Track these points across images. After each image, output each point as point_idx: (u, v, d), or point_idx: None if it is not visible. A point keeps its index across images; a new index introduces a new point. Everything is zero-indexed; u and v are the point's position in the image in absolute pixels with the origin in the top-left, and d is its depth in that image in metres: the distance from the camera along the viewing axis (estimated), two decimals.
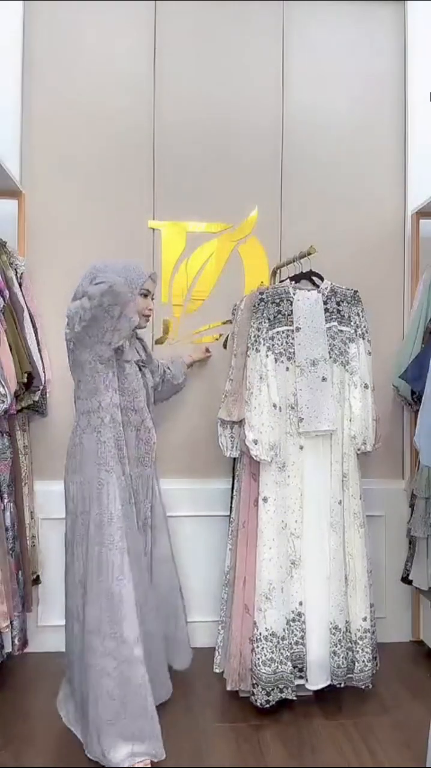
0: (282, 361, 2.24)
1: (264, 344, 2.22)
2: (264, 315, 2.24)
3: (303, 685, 2.18)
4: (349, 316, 2.31)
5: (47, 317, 2.59)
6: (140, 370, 2.15)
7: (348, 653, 2.18)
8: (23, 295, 2.42)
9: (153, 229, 2.76)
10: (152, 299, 2.17)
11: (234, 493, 2.38)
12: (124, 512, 1.94)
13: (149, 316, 2.15)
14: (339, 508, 2.22)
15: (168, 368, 2.49)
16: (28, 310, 2.42)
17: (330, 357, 2.25)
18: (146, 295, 2.11)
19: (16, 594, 2.27)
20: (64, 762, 1.89)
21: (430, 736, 1.47)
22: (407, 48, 2.87)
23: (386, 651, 2.49)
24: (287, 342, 2.25)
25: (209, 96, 2.79)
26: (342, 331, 2.29)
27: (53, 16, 2.71)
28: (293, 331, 2.25)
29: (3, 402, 2.11)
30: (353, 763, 1.91)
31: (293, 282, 2.34)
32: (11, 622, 2.21)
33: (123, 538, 1.90)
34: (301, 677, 2.18)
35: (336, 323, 2.29)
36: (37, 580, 2.54)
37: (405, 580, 2.61)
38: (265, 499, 2.18)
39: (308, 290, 2.31)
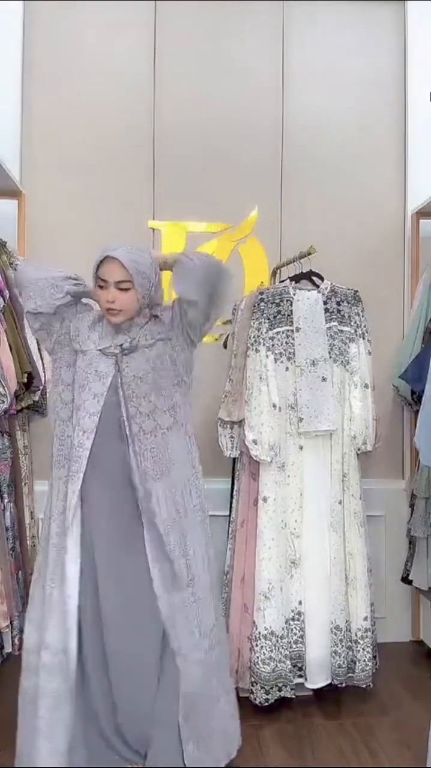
0: (282, 361, 2.24)
1: (264, 344, 2.22)
2: (264, 315, 2.24)
3: (303, 684, 2.18)
4: (349, 316, 2.31)
5: None
6: (117, 359, 1.74)
7: (348, 653, 2.19)
8: None
9: (153, 229, 2.76)
10: (124, 289, 1.70)
11: (234, 492, 2.38)
12: (58, 533, 1.72)
13: (110, 310, 1.71)
14: (339, 507, 2.22)
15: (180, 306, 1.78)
16: None
17: (330, 357, 2.25)
18: (101, 286, 1.72)
19: (16, 594, 2.27)
20: None
21: (430, 737, 1.47)
22: (407, 48, 2.87)
23: (386, 651, 2.49)
24: (287, 342, 2.24)
25: (209, 96, 2.80)
26: (342, 331, 2.29)
27: (53, 16, 2.72)
28: (293, 331, 2.25)
29: (3, 402, 2.11)
30: (353, 763, 1.91)
31: (293, 282, 2.34)
32: (11, 622, 2.21)
33: (44, 568, 1.72)
34: (300, 676, 2.18)
35: (336, 323, 2.29)
36: None
37: (405, 580, 2.61)
38: (265, 499, 2.19)
39: (309, 290, 2.31)
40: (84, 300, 1.84)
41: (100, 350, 1.76)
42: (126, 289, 1.71)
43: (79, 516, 1.70)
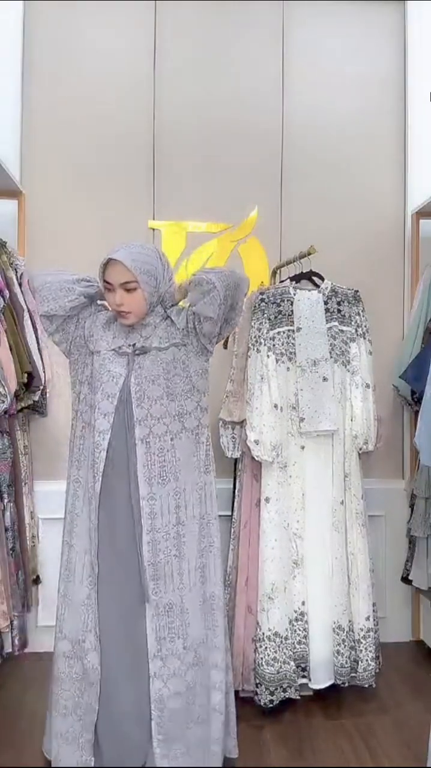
0: (283, 362, 2.24)
1: (265, 344, 2.22)
2: (265, 315, 2.24)
3: (306, 684, 2.18)
4: (350, 316, 2.31)
5: None
6: (129, 358, 1.74)
7: (351, 652, 2.19)
8: (23, 295, 2.41)
9: (153, 229, 2.76)
10: (130, 290, 1.69)
11: (236, 493, 2.38)
12: (76, 521, 1.77)
13: (120, 312, 1.73)
14: (340, 507, 2.22)
15: (192, 313, 1.78)
16: (28, 310, 2.42)
17: (331, 357, 2.25)
18: (108, 289, 1.73)
19: (16, 594, 2.27)
20: None
21: (430, 737, 1.47)
22: (407, 48, 2.87)
23: (386, 651, 2.49)
24: (287, 342, 2.25)
25: (209, 96, 2.79)
26: (342, 330, 2.29)
27: (53, 16, 2.71)
28: (293, 331, 2.25)
29: (3, 402, 2.11)
30: (353, 763, 1.91)
31: (293, 282, 2.34)
32: (11, 622, 2.21)
33: (68, 555, 1.77)
34: (304, 676, 2.18)
35: (336, 323, 2.29)
36: (37, 580, 2.54)
37: (405, 580, 2.62)
38: (267, 500, 2.19)
39: (309, 290, 2.31)
40: (99, 301, 1.85)
41: (113, 350, 1.76)
42: (133, 290, 1.70)
43: (96, 513, 1.71)
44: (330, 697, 2.24)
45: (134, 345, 1.76)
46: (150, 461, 1.71)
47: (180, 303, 1.84)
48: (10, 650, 2.26)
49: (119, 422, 1.71)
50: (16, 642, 2.25)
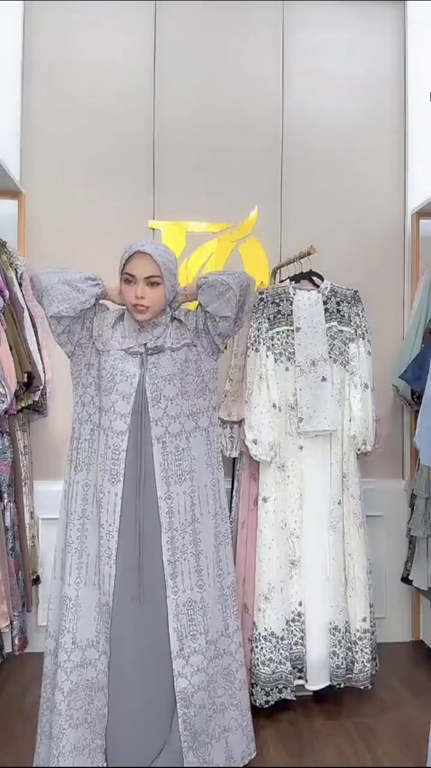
0: (282, 361, 2.24)
1: (264, 344, 2.22)
2: (264, 315, 2.24)
3: (303, 685, 2.18)
4: (349, 316, 2.31)
5: None
6: (142, 358, 1.74)
7: (347, 653, 2.18)
8: (23, 295, 2.42)
9: (153, 229, 2.76)
10: (153, 285, 1.69)
11: (234, 493, 2.38)
12: (79, 537, 1.74)
13: (137, 306, 1.70)
14: (338, 508, 2.22)
15: (204, 317, 1.78)
16: (28, 310, 2.42)
17: (330, 357, 2.25)
18: (128, 281, 1.71)
19: (16, 594, 2.27)
20: None
21: (430, 737, 1.47)
22: (407, 48, 2.87)
23: (386, 651, 2.49)
24: (287, 342, 2.25)
25: (209, 96, 2.80)
26: (342, 331, 2.29)
27: (53, 15, 2.72)
28: (293, 331, 2.25)
29: (3, 402, 2.11)
30: (353, 763, 1.91)
31: (293, 282, 2.34)
32: (11, 622, 2.21)
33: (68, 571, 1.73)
34: (300, 677, 2.18)
35: (336, 323, 2.29)
36: (37, 580, 2.54)
37: (405, 580, 2.61)
38: (265, 499, 2.19)
39: (308, 290, 2.31)
40: (101, 301, 1.83)
41: (124, 350, 1.75)
42: (155, 285, 1.70)
43: (116, 516, 1.69)
44: (330, 698, 2.24)
45: (145, 344, 1.75)
46: (167, 460, 1.72)
47: (182, 306, 1.85)
48: (10, 650, 2.26)
49: (134, 422, 1.71)
50: (16, 642, 2.25)
